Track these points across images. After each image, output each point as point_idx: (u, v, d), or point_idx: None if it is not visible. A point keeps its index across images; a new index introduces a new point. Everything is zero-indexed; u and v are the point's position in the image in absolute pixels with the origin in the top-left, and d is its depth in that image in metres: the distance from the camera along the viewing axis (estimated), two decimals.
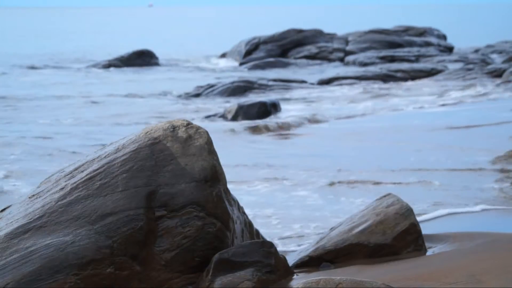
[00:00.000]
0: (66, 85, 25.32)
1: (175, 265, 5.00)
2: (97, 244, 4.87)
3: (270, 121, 15.68)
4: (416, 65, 27.27)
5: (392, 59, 29.28)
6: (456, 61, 28.00)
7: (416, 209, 6.41)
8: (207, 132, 5.39)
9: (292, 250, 6.37)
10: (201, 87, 23.56)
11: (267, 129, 14.73)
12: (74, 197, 5.12)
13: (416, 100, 19.46)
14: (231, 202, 5.36)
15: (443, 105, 18.30)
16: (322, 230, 7.36)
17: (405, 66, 26.94)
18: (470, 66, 26.49)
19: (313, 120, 16.24)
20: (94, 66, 32.19)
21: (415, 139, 13.03)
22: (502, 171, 10.01)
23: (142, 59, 32.65)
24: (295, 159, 11.65)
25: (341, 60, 31.08)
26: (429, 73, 25.84)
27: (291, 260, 5.54)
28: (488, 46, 32.92)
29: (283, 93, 21.90)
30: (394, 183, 9.57)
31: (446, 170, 10.26)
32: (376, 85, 23.21)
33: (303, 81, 24.80)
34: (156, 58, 33.29)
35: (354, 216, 5.77)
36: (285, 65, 30.17)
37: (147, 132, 5.40)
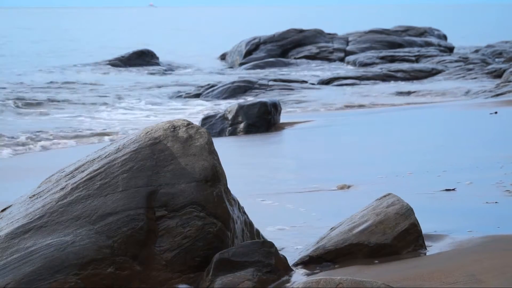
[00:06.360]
0: None
1: (175, 265, 5.01)
2: (98, 244, 4.88)
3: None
4: (416, 65, 27.28)
5: (392, 59, 29.29)
6: (456, 61, 28.01)
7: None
8: (207, 132, 5.39)
9: (293, 249, 6.37)
10: (202, 87, 23.58)
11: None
12: (75, 197, 5.13)
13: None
14: (232, 202, 5.36)
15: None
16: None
17: (405, 66, 26.96)
18: (470, 66, 26.50)
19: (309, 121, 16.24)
20: (94, 65, 32.23)
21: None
22: None
23: (143, 59, 32.66)
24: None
25: (342, 60, 31.08)
26: (430, 73, 25.86)
27: (291, 259, 5.54)
28: (488, 46, 32.92)
29: (283, 93, 21.90)
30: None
31: None
32: (376, 85, 23.23)
33: (303, 81, 24.81)
34: (157, 58, 33.29)
35: (354, 216, 5.77)
36: (285, 65, 30.19)
37: (148, 132, 5.41)
